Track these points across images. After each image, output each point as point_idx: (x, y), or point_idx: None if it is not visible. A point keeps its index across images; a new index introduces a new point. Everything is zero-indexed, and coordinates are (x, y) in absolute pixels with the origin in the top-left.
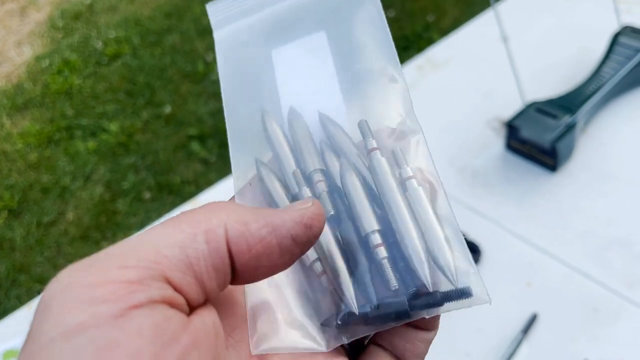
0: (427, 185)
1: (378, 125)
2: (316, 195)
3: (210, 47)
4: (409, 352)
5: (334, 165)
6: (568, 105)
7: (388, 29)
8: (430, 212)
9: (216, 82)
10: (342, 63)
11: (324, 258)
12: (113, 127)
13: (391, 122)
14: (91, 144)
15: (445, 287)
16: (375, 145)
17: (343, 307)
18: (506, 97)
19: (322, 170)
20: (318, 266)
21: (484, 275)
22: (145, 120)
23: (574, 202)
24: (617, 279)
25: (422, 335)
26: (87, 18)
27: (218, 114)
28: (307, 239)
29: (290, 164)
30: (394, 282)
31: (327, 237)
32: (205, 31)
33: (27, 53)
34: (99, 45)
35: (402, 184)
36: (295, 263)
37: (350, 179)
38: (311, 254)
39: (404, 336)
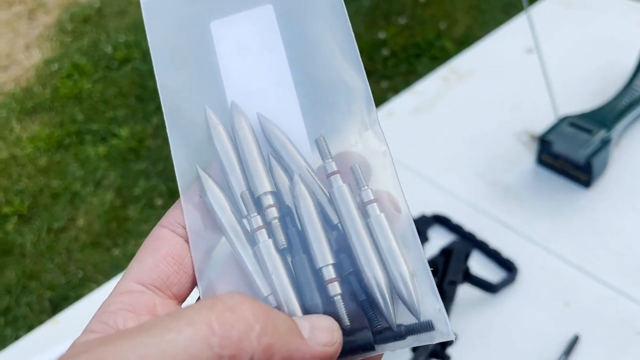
0: (391, 209)
1: (338, 138)
2: (267, 222)
3: None
4: None
5: (284, 183)
6: (602, 120)
7: (348, 19)
8: (394, 242)
9: None
10: (294, 51)
11: (276, 292)
12: (123, 132)
13: (353, 135)
14: (101, 149)
15: (408, 320)
16: (335, 169)
17: None
18: (534, 110)
19: (272, 193)
20: (272, 300)
21: (521, 294)
22: (156, 125)
23: (608, 218)
24: None
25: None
26: (97, 22)
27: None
28: None
29: (239, 183)
30: (346, 321)
31: (279, 271)
32: None
33: (36, 56)
34: (108, 49)
35: (363, 208)
36: (252, 295)
37: (305, 205)
38: (264, 289)
39: None
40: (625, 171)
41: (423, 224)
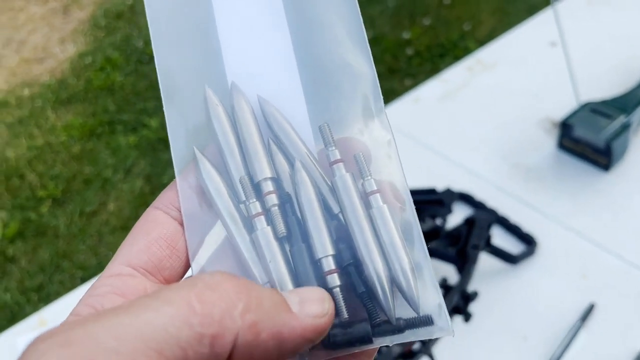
0: (394, 202)
1: (342, 125)
2: (266, 209)
3: None
4: None
5: (284, 169)
6: (622, 106)
7: (356, 1)
8: (396, 234)
9: None
10: (299, 33)
11: (273, 281)
12: (153, 123)
13: (357, 122)
14: (132, 138)
15: (407, 313)
16: (338, 157)
17: None
18: (557, 99)
19: (272, 179)
20: None
21: (540, 266)
22: None
23: (626, 199)
24: None
25: (369, 350)
26: (129, 18)
27: None
28: (300, 351)
29: (238, 167)
30: (344, 314)
31: (277, 260)
32: None
33: (71, 50)
34: (140, 44)
35: (365, 198)
36: None
37: (305, 193)
38: (261, 277)
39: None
40: None
41: (448, 197)
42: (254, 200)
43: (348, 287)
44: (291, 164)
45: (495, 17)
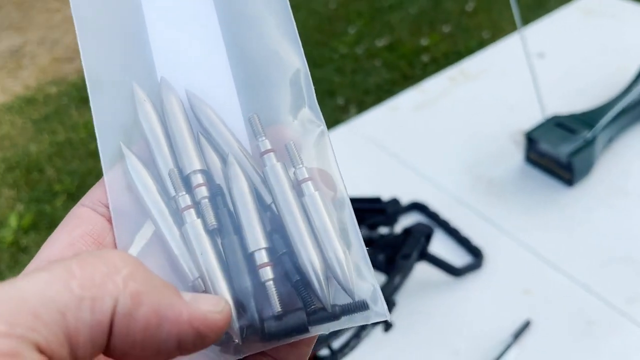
0: (326, 189)
1: (273, 116)
2: (196, 202)
3: None
4: (292, 355)
5: (214, 163)
6: (590, 121)
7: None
8: (328, 221)
9: None
10: (228, 24)
11: (204, 275)
12: None
13: (289, 112)
14: None
15: (343, 300)
16: (269, 147)
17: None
18: (533, 112)
19: (202, 171)
20: (199, 284)
21: (484, 279)
22: None
23: (586, 216)
24: (617, 293)
25: (308, 338)
26: None
27: None
28: (193, 348)
29: (166, 161)
30: (277, 307)
31: (208, 253)
32: None
33: None
34: None
35: (297, 186)
36: (177, 282)
37: (238, 186)
38: (191, 272)
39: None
40: (611, 173)
41: (393, 206)
42: (184, 193)
43: (283, 277)
44: (222, 158)
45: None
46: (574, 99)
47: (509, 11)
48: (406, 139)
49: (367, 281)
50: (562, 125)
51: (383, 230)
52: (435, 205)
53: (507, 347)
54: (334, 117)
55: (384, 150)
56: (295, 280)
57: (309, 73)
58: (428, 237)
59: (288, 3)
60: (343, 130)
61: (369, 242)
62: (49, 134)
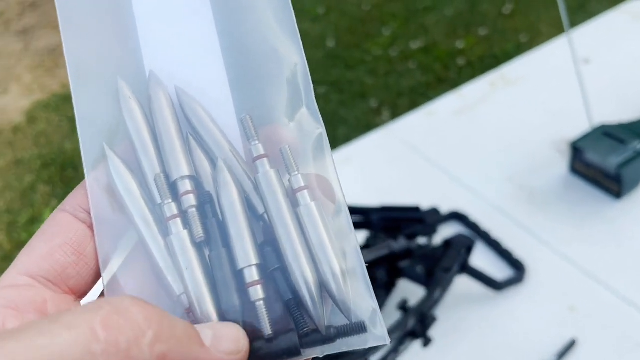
0: (324, 198)
1: (268, 117)
2: (182, 211)
3: None
4: None
5: (204, 168)
6: (638, 131)
7: None
8: (324, 235)
9: None
10: (223, 17)
11: (189, 292)
12: None
13: (285, 113)
14: None
15: (339, 321)
16: (262, 152)
17: None
18: (578, 120)
19: (190, 178)
20: (184, 300)
21: (526, 294)
22: None
23: (634, 231)
24: None
25: None
26: None
27: None
28: None
29: (152, 164)
30: (268, 330)
31: (194, 267)
32: None
33: None
34: None
35: (292, 195)
36: (162, 295)
37: (227, 195)
38: (177, 287)
39: None
40: None
41: (432, 216)
42: (170, 201)
43: (275, 294)
44: (212, 161)
45: (556, 29)
46: (621, 107)
47: (547, 14)
48: (444, 145)
49: (366, 301)
50: (611, 135)
51: (421, 240)
52: (475, 215)
53: None
54: (365, 120)
55: (422, 157)
56: (287, 299)
57: (308, 70)
58: (469, 249)
59: (289, 2)
60: (379, 135)
61: (407, 252)
62: None
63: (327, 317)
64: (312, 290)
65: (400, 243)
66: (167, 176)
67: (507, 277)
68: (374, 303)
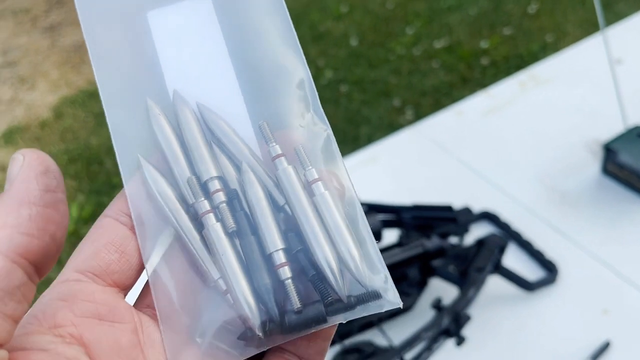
0: (337, 188)
1: (281, 122)
2: (214, 207)
3: (322, 53)
4: (311, 350)
5: (229, 171)
6: None
7: (285, 7)
8: (339, 218)
9: (325, 87)
10: (233, 40)
11: (226, 275)
12: None
13: (295, 118)
14: None
15: (356, 290)
16: (279, 152)
17: (257, 318)
18: (610, 121)
19: (218, 178)
20: (221, 283)
21: (559, 295)
22: None
23: None
24: None
25: (325, 332)
26: None
27: None
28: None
29: (183, 170)
30: (297, 303)
31: (228, 254)
32: (320, 37)
33: None
34: None
35: (308, 187)
36: (198, 282)
37: (253, 192)
38: (214, 272)
39: (306, 337)
40: None
41: (464, 216)
42: (202, 199)
43: (300, 271)
44: (235, 165)
45: (582, 29)
46: None
47: (574, 14)
48: (474, 144)
49: (379, 273)
50: None
51: (453, 239)
52: (505, 215)
53: None
54: (388, 118)
55: (451, 156)
56: (311, 275)
57: (312, 80)
58: (502, 249)
59: (288, 15)
60: (407, 134)
61: (440, 251)
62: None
63: (346, 288)
64: (333, 265)
65: (434, 242)
66: (197, 178)
67: (538, 278)
68: (387, 273)
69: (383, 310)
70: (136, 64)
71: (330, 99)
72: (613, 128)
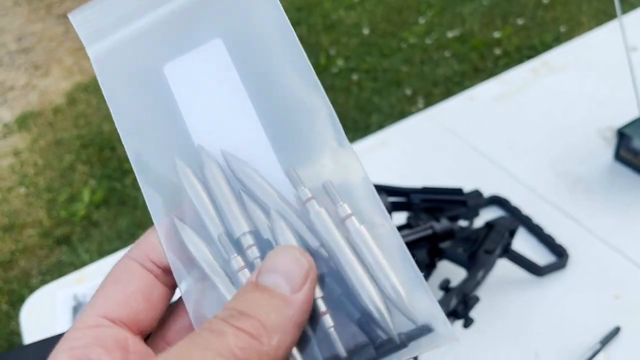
0: (373, 222)
1: (307, 161)
2: (248, 263)
3: (334, 42)
4: None
5: (259, 219)
6: None
7: (294, 34)
8: (379, 253)
9: (336, 76)
10: (251, 82)
11: None
12: None
13: (323, 157)
14: None
15: (406, 328)
16: (309, 195)
17: None
18: (624, 108)
19: (251, 232)
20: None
21: (569, 280)
22: None
23: None
24: None
25: None
26: None
27: (333, 105)
28: None
29: (216, 226)
30: (342, 352)
31: None
32: (332, 26)
33: None
34: None
35: (341, 224)
36: None
37: (284, 238)
38: None
39: None
40: None
41: (474, 199)
42: (235, 255)
43: (344, 318)
44: (266, 212)
45: (597, 20)
46: None
47: (588, 4)
48: (485, 130)
49: (428, 305)
50: None
51: (462, 223)
52: (516, 200)
53: (594, 354)
54: (400, 107)
55: (463, 141)
56: (357, 318)
57: (334, 113)
58: (512, 232)
59: (302, 50)
60: (418, 119)
61: (449, 233)
62: None
63: (394, 326)
64: (378, 304)
65: (443, 224)
66: (229, 234)
67: (548, 262)
68: (436, 305)
69: (438, 346)
70: (158, 118)
71: (342, 87)
72: (627, 115)
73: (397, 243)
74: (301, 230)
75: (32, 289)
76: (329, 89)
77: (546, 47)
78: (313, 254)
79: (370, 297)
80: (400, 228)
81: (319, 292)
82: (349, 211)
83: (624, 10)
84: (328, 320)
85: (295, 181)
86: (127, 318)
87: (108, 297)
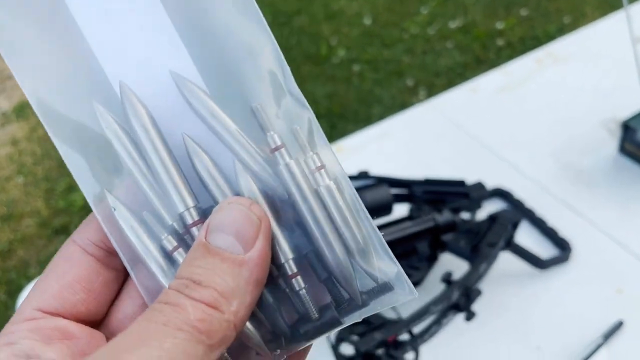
0: (338, 176)
1: (256, 102)
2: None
3: (335, 32)
4: None
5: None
6: None
7: None
8: (346, 212)
9: (337, 66)
10: (178, 12)
11: None
12: None
13: (271, 104)
14: None
15: (368, 285)
16: (279, 142)
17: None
18: (629, 100)
19: (195, 207)
20: None
21: (571, 273)
22: None
23: None
24: None
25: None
26: None
27: (334, 96)
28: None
29: (158, 196)
30: (314, 313)
31: None
32: (333, 16)
33: None
34: None
35: (311, 175)
36: None
37: (250, 192)
38: None
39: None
40: None
41: (477, 191)
42: (166, 234)
43: (309, 272)
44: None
45: (601, 10)
46: None
47: None
48: (488, 121)
49: (389, 264)
50: None
51: (465, 215)
52: (518, 192)
53: (596, 348)
54: (401, 98)
55: (465, 132)
56: (323, 278)
57: (283, 56)
58: (515, 225)
59: None
60: (420, 110)
61: (451, 226)
62: None
63: (358, 285)
64: (343, 267)
65: (445, 216)
66: (171, 208)
67: (551, 256)
68: (397, 265)
69: (398, 304)
70: (64, 57)
71: (343, 78)
72: (632, 107)
73: (358, 202)
74: (267, 180)
75: (30, 279)
76: (330, 80)
77: (550, 38)
78: (281, 204)
79: (337, 261)
80: (402, 220)
81: (289, 254)
82: (319, 163)
83: (630, 0)
84: (300, 282)
85: (263, 123)
86: (64, 310)
87: (44, 290)
